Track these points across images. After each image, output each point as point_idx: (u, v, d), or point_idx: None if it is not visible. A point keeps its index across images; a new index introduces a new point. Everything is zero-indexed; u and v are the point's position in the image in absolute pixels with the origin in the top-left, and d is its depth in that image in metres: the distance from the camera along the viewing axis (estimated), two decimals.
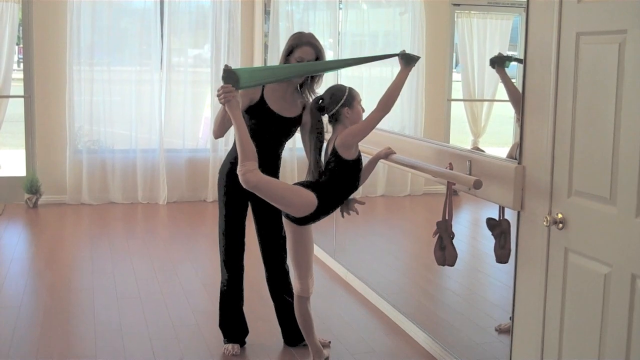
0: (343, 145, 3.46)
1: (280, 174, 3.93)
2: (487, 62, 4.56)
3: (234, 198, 3.86)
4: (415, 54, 3.44)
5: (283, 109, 3.79)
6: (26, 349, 3.95)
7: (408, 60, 3.44)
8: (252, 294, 4.53)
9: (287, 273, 4.01)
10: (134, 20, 7.70)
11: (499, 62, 3.31)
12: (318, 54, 3.75)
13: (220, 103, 3.41)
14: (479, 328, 4.00)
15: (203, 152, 7.88)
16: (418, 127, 5.18)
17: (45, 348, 3.97)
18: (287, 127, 3.82)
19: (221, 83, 3.39)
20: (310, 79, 3.83)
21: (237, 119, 3.39)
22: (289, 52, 3.76)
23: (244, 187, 3.37)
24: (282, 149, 3.92)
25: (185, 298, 4.81)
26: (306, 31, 3.85)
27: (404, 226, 5.81)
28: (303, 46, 3.73)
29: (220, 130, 3.76)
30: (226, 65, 3.43)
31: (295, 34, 3.84)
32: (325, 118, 3.62)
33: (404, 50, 3.46)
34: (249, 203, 3.93)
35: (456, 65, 4.66)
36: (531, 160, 2.97)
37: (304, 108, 3.83)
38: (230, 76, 3.37)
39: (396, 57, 3.48)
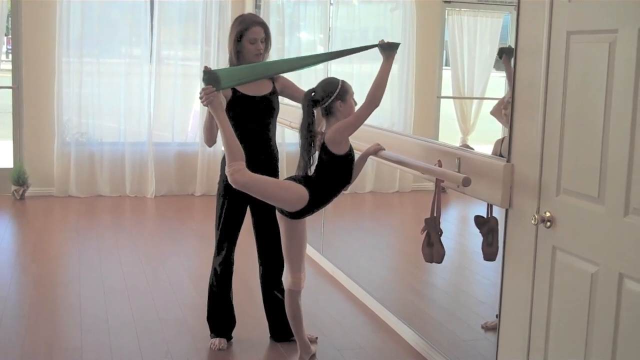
0: (332, 141, 3.45)
1: None
2: (477, 60, 4.57)
3: (233, 193, 3.82)
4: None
5: (256, 90, 3.82)
6: (12, 341, 3.93)
7: (389, 50, 3.41)
8: (240, 288, 4.52)
9: (282, 270, 4.00)
10: (123, 12, 7.66)
11: (507, 53, 3.29)
12: (267, 31, 3.82)
13: (203, 105, 3.40)
14: (465, 325, 4.01)
15: (192, 145, 7.86)
16: (407, 124, 5.18)
17: (31, 340, 3.95)
18: (265, 104, 3.85)
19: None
20: (263, 58, 3.86)
21: (222, 120, 3.39)
22: (239, 37, 3.77)
23: (234, 187, 3.37)
24: (273, 134, 3.92)
25: (172, 292, 4.80)
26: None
27: (392, 223, 5.81)
28: (252, 27, 3.77)
29: (210, 138, 3.79)
30: (206, 67, 3.43)
31: (238, 17, 3.88)
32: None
33: (383, 40, 3.42)
34: (247, 200, 3.90)
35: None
36: (520, 158, 2.97)
37: (272, 81, 3.89)
38: (211, 77, 3.37)
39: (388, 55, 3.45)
